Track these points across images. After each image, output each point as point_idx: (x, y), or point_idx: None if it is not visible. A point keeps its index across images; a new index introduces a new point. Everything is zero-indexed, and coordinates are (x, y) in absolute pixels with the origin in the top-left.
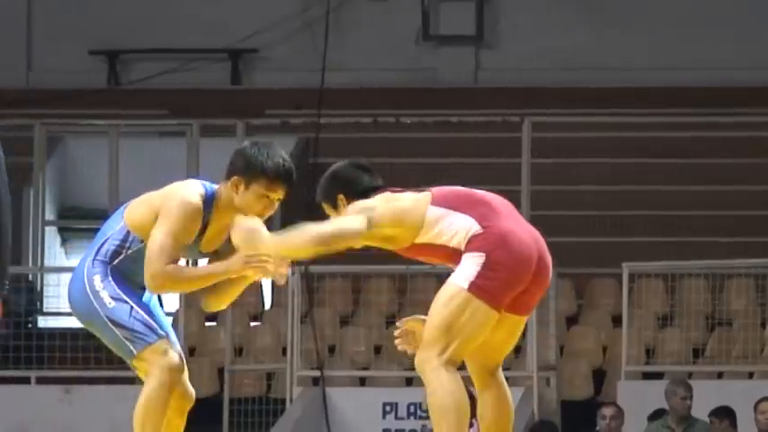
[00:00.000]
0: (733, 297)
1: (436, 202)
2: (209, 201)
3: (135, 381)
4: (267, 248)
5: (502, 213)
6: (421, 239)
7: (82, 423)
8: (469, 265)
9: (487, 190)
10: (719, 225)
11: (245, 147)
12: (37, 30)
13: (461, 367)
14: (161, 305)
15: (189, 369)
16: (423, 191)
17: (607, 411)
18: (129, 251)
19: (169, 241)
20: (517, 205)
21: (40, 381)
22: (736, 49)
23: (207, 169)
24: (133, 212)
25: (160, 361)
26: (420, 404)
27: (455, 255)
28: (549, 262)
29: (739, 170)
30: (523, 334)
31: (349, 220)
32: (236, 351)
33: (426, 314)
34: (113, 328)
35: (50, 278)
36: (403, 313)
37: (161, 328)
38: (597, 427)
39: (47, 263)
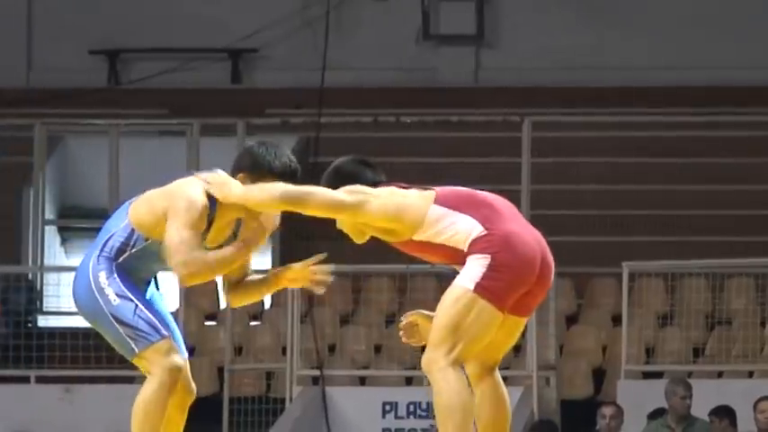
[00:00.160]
0: (733, 296)
1: (439, 201)
2: (214, 197)
3: (135, 380)
4: (239, 195)
5: (505, 215)
6: (419, 236)
7: (82, 422)
8: (475, 267)
9: (488, 189)
10: (719, 224)
11: (252, 145)
12: (37, 29)
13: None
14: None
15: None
16: (427, 189)
17: (607, 411)
18: (134, 249)
19: (187, 232)
20: (517, 205)
21: (40, 380)
22: (737, 48)
23: (207, 169)
24: (138, 211)
25: (161, 361)
26: (420, 403)
27: (454, 254)
28: (552, 264)
29: (739, 170)
30: (523, 333)
31: (337, 192)
32: (236, 350)
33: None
34: (117, 325)
35: (50, 277)
36: (403, 312)
37: (165, 327)
38: (597, 427)
39: (47, 262)
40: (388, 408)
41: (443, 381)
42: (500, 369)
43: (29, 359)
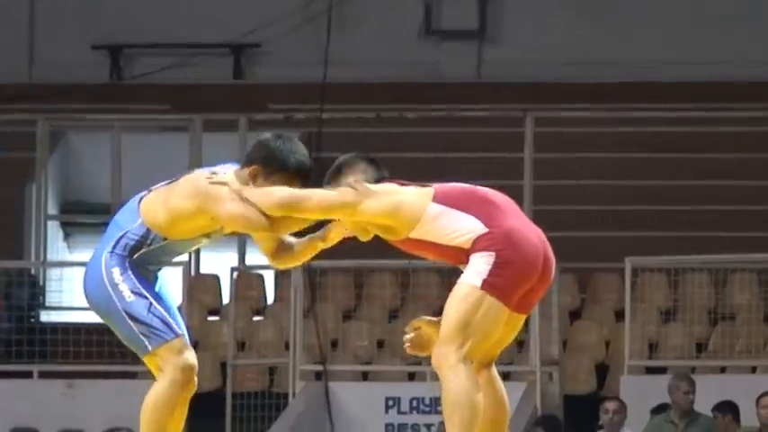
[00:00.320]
0: (736, 291)
1: (438, 198)
2: None
3: (138, 375)
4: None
5: (507, 212)
6: (417, 234)
7: (84, 417)
8: (480, 264)
9: (490, 185)
10: (722, 220)
11: (268, 138)
12: (39, 24)
13: None
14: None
15: None
16: (427, 186)
17: (610, 406)
18: (151, 246)
19: (236, 203)
20: (520, 200)
21: (43, 375)
22: (738, 44)
23: (209, 164)
24: (152, 213)
25: (175, 360)
26: (423, 399)
27: (455, 253)
28: (553, 261)
29: (742, 165)
30: (526, 329)
31: (332, 192)
32: (239, 345)
33: (429, 310)
34: (130, 322)
35: (53, 273)
36: (405, 308)
37: (178, 325)
38: (600, 422)
39: (49, 257)
40: (390, 403)
41: (453, 377)
42: (503, 364)
43: (31, 354)
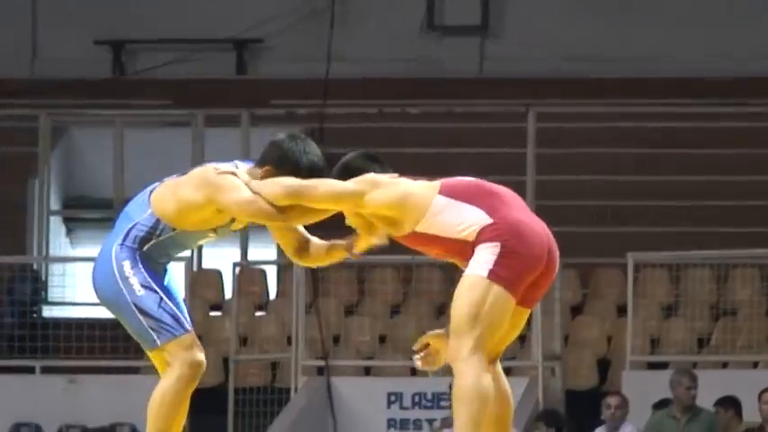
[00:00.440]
0: (738, 287)
1: (444, 191)
2: None
3: (140, 370)
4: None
5: (512, 205)
6: (422, 228)
7: (86, 412)
8: (486, 255)
9: (492, 180)
10: (724, 215)
11: (282, 139)
12: (42, 19)
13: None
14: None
15: None
16: (433, 180)
17: (612, 401)
18: (160, 237)
19: (240, 193)
20: (522, 196)
21: (45, 370)
22: (740, 39)
23: (212, 159)
24: (161, 204)
25: (184, 355)
26: (425, 394)
27: (460, 247)
28: (557, 255)
29: (744, 160)
30: (528, 324)
31: (340, 182)
32: (241, 341)
33: (432, 305)
34: (139, 316)
35: (55, 268)
36: (408, 303)
37: (187, 320)
38: (602, 417)
39: (52, 252)
40: (393, 398)
41: (466, 369)
42: (505, 359)
43: (34, 349)
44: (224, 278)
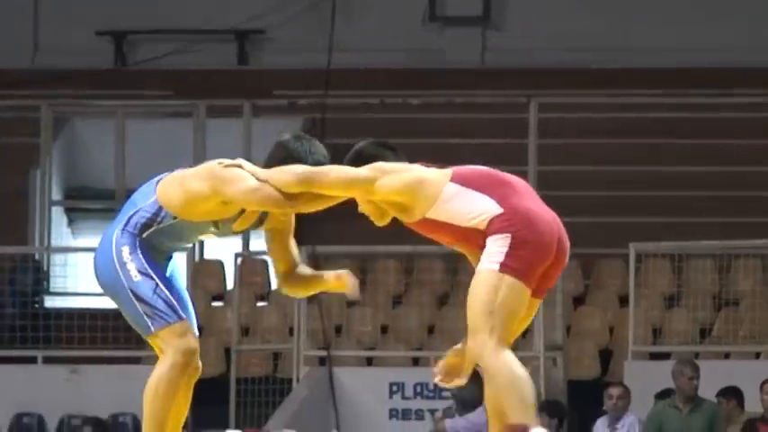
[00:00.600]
0: (740, 277)
1: (456, 179)
2: None
3: (141, 360)
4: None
5: (522, 194)
6: (432, 215)
7: (88, 402)
8: (496, 248)
9: None
10: (726, 205)
11: (287, 139)
12: (44, 10)
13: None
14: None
15: None
16: (445, 168)
17: (614, 391)
18: (161, 224)
19: (243, 183)
20: None
21: (47, 360)
22: (741, 30)
23: (213, 149)
24: (168, 192)
25: (176, 343)
26: (426, 384)
27: (470, 235)
28: (567, 245)
29: (746, 151)
30: None
31: (352, 168)
32: (243, 331)
33: (434, 295)
34: (135, 301)
35: (57, 258)
36: (410, 294)
37: (183, 307)
38: (604, 407)
39: (53, 243)
40: (395, 388)
41: (496, 362)
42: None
43: (35, 340)
44: (226, 268)
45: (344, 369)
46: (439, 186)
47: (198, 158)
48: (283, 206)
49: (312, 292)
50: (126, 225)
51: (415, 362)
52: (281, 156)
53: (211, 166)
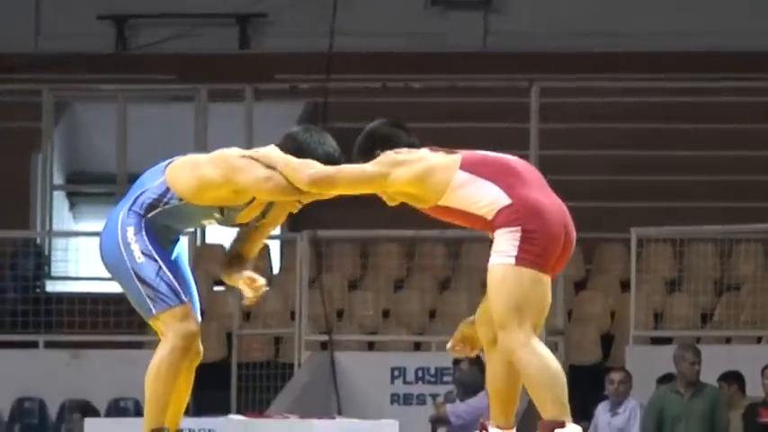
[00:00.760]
0: (741, 262)
1: (465, 166)
2: None
3: (143, 345)
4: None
5: (530, 183)
6: (444, 202)
7: (90, 387)
8: (507, 243)
9: None
10: (728, 190)
11: (297, 131)
12: None
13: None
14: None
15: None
16: (454, 152)
17: (615, 376)
18: (167, 206)
19: (266, 168)
20: None
21: (48, 345)
22: (741, 14)
23: (215, 134)
24: (177, 175)
25: (176, 326)
26: (428, 369)
27: (481, 222)
28: (574, 233)
29: (748, 135)
30: None
31: (361, 166)
32: (245, 316)
33: (435, 280)
34: (137, 283)
35: (58, 242)
36: (411, 278)
37: (186, 290)
38: (605, 392)
39: (55, 227)
40: (396, 373)
41: (530, 356)
42: None
43: (37, 324)
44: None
45: (346, 354)
46: (449, 174)
47: (199, 143)
48: (294, 195)
49: (232, 284)
50: (133, 204)
51: (417, 346)
52: (292, 147)
53: (225, 154)
